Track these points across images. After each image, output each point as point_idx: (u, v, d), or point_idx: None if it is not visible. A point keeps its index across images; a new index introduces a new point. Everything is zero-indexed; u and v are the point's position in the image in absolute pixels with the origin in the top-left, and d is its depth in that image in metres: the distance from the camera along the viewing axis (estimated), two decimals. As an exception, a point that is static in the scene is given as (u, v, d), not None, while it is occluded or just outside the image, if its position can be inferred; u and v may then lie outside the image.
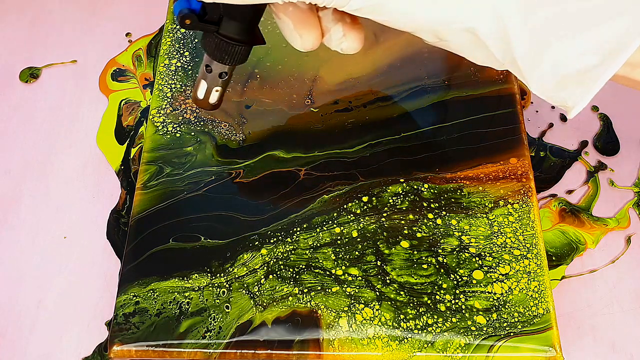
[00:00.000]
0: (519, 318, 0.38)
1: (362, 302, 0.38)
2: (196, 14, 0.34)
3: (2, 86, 0.50)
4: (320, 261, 0.39)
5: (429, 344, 0.37)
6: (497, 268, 0.39)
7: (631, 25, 0.28)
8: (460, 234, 0.40)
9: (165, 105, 0.45)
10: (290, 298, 0.38)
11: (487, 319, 0.38)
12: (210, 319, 0.38)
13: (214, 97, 0.39)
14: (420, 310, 0.38)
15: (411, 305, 0.38)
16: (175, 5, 0.34)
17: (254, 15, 0.35)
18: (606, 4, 0.29)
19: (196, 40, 0.48)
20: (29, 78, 0.51)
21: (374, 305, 0.38)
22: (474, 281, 0.39)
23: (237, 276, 0.39)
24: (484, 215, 0.41)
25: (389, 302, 0.38)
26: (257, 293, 0.38)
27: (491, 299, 0.38)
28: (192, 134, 0.44)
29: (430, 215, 0.41)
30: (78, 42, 0.53)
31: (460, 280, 0.39)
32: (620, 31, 0.28)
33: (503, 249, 0.40)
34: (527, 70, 0.31)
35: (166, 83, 0.46)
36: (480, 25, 0.31)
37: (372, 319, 0.38)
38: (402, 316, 0.38)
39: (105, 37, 0.53)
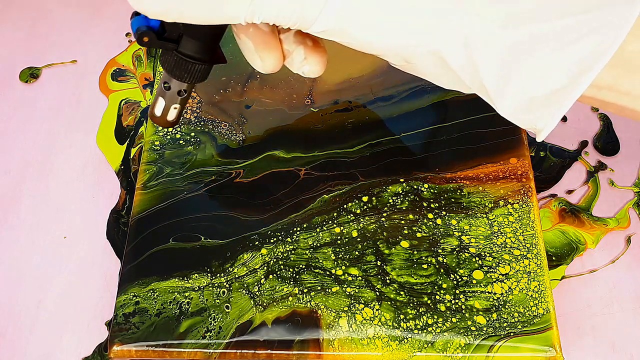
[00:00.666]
0: (519, 318, 0.38)
1: (362, 302, 0.38)
2: (154, 31, 0.33)
3: (2, 86, 0.50)
4: (320, 261, 0.39)
5: (429, 344, 0.37)
6: (497, 268, 0.39)
7: (597, 46, 0.28)
8: (460, 234, 0.40)
9: (165, 105, 0.45)
10: (290, 298, 0.38)
11: (487, 319, 0.38)
12: (210, 319, 0.38)
13: (172, 115, 0.38)
14: (420, 310, 0.38)
15: (411, 305, 0.38)
16: (133, 23, 0.33)
17: (215, 34, 0.34)
18: (572, 26, 0.28)
19: (196, 40, 0.48)
20: (29, 78, 0.51)
21: (374, 305, 0.38)
22: (474, 281, 0.39)
23: (237, 276, 0.39)
24: (484, 215, 0.41)
25: (389, 302, 0.38)
26: (257, 293, 0.38)
27: (491, 299, 0.38)
28: (192, 134, 0.44)
29: (430, 215, 0.41)
30: (78, 42, 0.53)
31: (460, 280, 0.39)
32: (586, 52, 0.29)
33: (503, 249, 0.40)
34: (495, 94, 0.31)
35: (166, 83, 0.46)
36: (447, 49, 0.30)
37: (372, 319, 0.38)
38: (402, 316, 0.38)
39: (105, 37, 0.53)
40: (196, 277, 0.39)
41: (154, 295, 0.38)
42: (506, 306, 0.38)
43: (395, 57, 0.33)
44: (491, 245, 0.40)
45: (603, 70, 0.29)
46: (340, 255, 0.40)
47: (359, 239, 0.40)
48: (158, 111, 0.37)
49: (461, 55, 0.30)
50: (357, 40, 0.31)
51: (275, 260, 0.39)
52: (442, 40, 0.30)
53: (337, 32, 0.31)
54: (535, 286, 0.39)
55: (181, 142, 0.44)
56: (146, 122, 0.47)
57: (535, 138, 0.48)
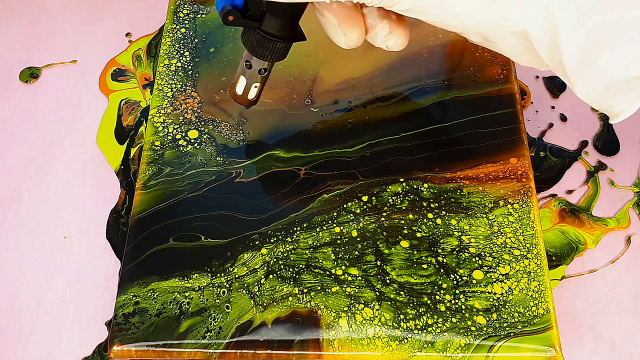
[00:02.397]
0: (519, 318, 0.38)
1: (362, 302, 0.38)
2: (239, 10, 0.34)
3: (2, 86, 0.50)
4: (320, 261, 0.39)
5: (429, 344, 0.37)
6: (497, 268, 0.39)
7: None
8: (460, 234, 0.40)
9: (165, 105, 0.45)
10: (290, 298, 0.38)
11: (487, 319, 0.38)
12: (211, 319, 0.38)
13: (252, 93, 0.40)
14: (420, 311, 0.38)
15: (411, 305, 0.38)
16: (218, 2, 0.34)
17: (296, 11, 0.36)
18: None
19: (196, 40, 0.48)
20: (29, 78, 0.51)
21: (374, 305, 0.38)
22: (474, 281, 0.39)
23: (237, 276, 0.39)
24: (484, 215, 0.41)
25: (389, 302, 0.38)
26: (257, 293, 0.38)
27: (491, 299, 0.38)
28: (192, 134, 0.44)
29: (430, 215, 0.41)
30: (78, 42, 0.53)
31: (460, 280, 0.39)
32: None
33: (503, 249, 0.40)
34: (574, 75, 0.31)
35: (166, 83, 0.46)
36: (531, 28, 0.31)
37: (372, 319, 0.38)
38: (402, 316, 0.38)
39: (105, 37, 0.53)
40: (196, 277, 0.39)
41: (154, 295, 0.38)
42: (506, 306, 0.38)
43: (476, 35, 0.33)
44: (491, 245, 0.40)
45: None
46: (340, 255, 0.40)
47: (358, 239, 0.40)
48: (239, 90, 0.39)
49: (546, 35, 0.31)
50: (442, 18, 0.32)
51: (275, 260, 0.39)
52: (527, 19, 0.31)
53: (424, 10, 0.31)
54: (535, 286, 0.39)
55: (181, 142, 0.44)
56: (146, 122, 0.47)
57: (535, 138, 0.48)
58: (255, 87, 0.39)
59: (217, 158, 0.43)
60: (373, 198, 0.42)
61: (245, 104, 0.40)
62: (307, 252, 0.40)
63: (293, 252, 0.40)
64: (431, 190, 0.42)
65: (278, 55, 0.37)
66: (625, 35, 0.29)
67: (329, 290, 0.38)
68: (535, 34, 0.31)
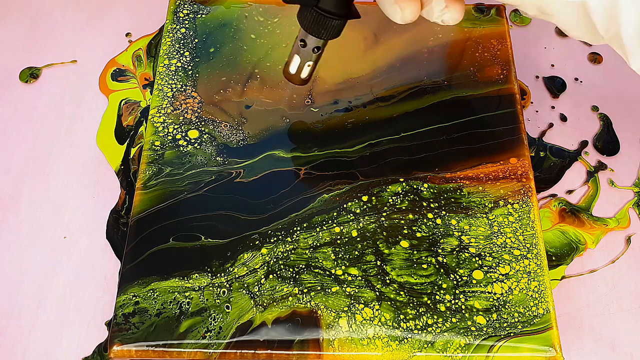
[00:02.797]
0: (519, 318, 0.38)
1: (362, 302, 0.38)
2: None
3: (2, 86, 0.50)
4: (320, 261, 0.39)
5: (429, 344, 0.37)
6: (497, 268, 0.39)
7: None
8: (460, 233, 0.41)
9: (165, 105, 0.45)
10: (290, 298, 0.38)
11: (487, 319, 0.38)
12: (211, 319, 0.38)
13: (305, 72, 0.40)
14: (420, 311, 0.38)
15: (411, 305, 0.38)
16: None
17: None
18: None
19: (196, 40, 0.48)
20: (29, 78, 0.51)
21: (374, 305, 0.38)
22: (474, 281, 0.39)
23: (237, 276, 0.39)
24: (484, 215, 0.41)
25: (389, 302, 0.38)
26: (257, 293, 0.38)
27: (491, 299, 0.38)
28: (192, 134, 0.44)
29: (430, 215, 0.41)
30: (78, 42, 0.52)
31: (460, 280, 0.39)
32: None
33: (503, 249, 0.40)
34: (631, 46, 0.32)
35: (166, 83, 0.46)
36: (592, 1, 0.32)
37: (372, 319, 0.38)
38: (402, 316, 0.38)
39: (105, 37, 0.53)
40: (196, 277, 0.39)
41: (154, 295, 0.38)
42: (506, 306, 0.38)
43: (532, 8, 0.34)
44: (491, 245, 0.40)
45: None
46: (340, 255, 0.40)
47: (358, 239, 0.40)
48: (293, 69, 0.40)
49: (604, 6, 0.32)
50: None
51: (275, 260, 0.39)
52: None
53: None
54: (535, 286, 0.39)
55: (181, 142, 0.44)
56: (146, 122, 0.47)
57: (535, 138, 0.48)
58: (309, 65, 0.40)
59: (217, 158, 0.43)
60: (373, 198, 0.42)
61: (298, 82, 0.41)
62: (307, 252, 0.40)
63: (293, 252, 0.40)
64: (431, 190, 0.42)
65: (333, 32, 0.38)
66: None
67: (329, 290, 0.38)
68: (593, 4, 0.32)
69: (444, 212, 0.41)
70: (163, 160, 0.43)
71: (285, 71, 0.41)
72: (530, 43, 0.53)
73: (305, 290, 0.38)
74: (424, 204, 0.42)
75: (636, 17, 0.31)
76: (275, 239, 0.40)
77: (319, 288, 0.39)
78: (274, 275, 0.39)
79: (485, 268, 0.39)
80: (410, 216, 0.41)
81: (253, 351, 0.37)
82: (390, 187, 0.42)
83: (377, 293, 0.38)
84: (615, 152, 0.48)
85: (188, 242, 0.40)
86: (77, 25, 0.53)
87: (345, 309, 0.38)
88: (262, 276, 0.39)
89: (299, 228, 0.41)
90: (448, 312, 0.38)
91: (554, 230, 0.44)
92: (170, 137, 0.44)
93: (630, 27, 0.32)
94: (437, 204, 0.42)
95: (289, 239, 0.40)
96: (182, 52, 0.48)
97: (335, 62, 0.48)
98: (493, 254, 0.40)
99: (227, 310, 0.38)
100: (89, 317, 0.41)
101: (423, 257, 0.40)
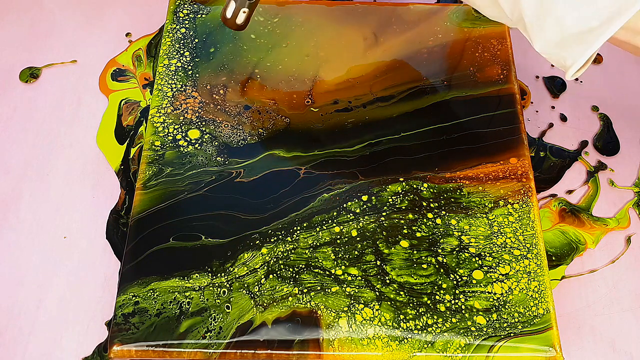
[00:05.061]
0: (519, 318, 0.38)
1: (362, 302, 0.38)
2: None
3: (2, 86, 0.50)
4: (320, 261, 0.39)
5: (429, 344, 0.37)
6: (497, 268, 0.39)
7: None
8: (460, 233, 0.40)
9: (165, 105, 0.45)
10: (290, 298, 0.38)
11: (487, 319, 0.38)
12: (211, 319, 0.38)
13: (240, 18, 0.43)
14: (420, 311, 0.38)
15: (411, 305, 0.38)
16: None
17: None
18: None
19: (196, 40, 0.48)
20: (29, 78, 0.51)
21: (374, 305, 0.38)
22: (474, 281, 0.39)
23: (237, 276, 0.39)
24: (484, 215, 0.41)
25: (389, 302, 0.38)
26: (257, 293, 0.38)
27: (491, 299, 0.38)
28: (193, 134, 0.44)
29: (430, 215, 0.41)
30: (78, 42, 0.53)
31: (460, 280, 0.39)
32: None
33: (503, 249, 0.40)
34: (533, 29, 0.35)
35: (166, 83, 0.46)
36: None
37: (372, 319, 0.38)
38: (402, 316, 0.38)
39: (105, 37, 0.53)
40: (197, 276, 0.39)
41: (154, 295, 0.38)
42: (506, 306, 0.38)
43: None
44: (491, 245, 0.40)
45: (638, 16, 0.32)
46: (340, 255, 0.40)
47: (358, 239, 0.40)
48: (229, 13, 0.43)
49: None
50: None
51: (275, 259, 0.39)
52: None
53: None
54: (535, 286, 0.39)
55: (181, 142, 0.44)
56: (146, 122, 0.47)
57: (535, 138, 0.48)
58: (244, 12, 0.43)
59: (218, 158, 0.43)
60: (373, 197, 0.42)
61: (233, 27, 0.44)
62: (307, 251, 0.40)
63: (293, 251, 0.40)
64: (431, 190, 0.42)
65: None
66: None
67: (329, 290, 0.38)
68: None
69: (443, 212, 0.41)
70: (163, 160, 0.43)
71: (222, 15, 0.43)
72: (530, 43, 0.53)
73: (305, 290, 0.38)
74: (424, 203, 0.42)
75: (536, 1, 0.34)
76: (275, 238, 0.40)
77: (318, 288, 0.39)
78: (274, 275, 0.39)
79: (485, 268, 0.39)
80: (410, 216, 0.41)
81: (253, 351, 0.37)
82: (390, 186, 0.42)
83: (377, 293, 0.38)
84: (615, 152, 0.48)
85: (188, 241, 0.40)
86: (77, 25, 0.53)
87: (345, 309, 0.38)
88: (262, 276, 0.39)
89: (299, 228, 0.41)
90: (448, 312, 0.38)
91: (554, 230, 0.44)
92: (170, 138, 0.44)
93: (529, 10, 0.34)
94: (437, 204, 0.42)
95: (289, 238, 0.40)
96: (182, 52, 0.48)
97: (335, 62, 0.48)
98: (493, 254, 0.40)
99: (228, 310, 0.38)
100: (89, 317, 0.41)
101: (423, 257, 0.40)
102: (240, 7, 0.42)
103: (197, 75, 0.47)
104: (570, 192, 0.46)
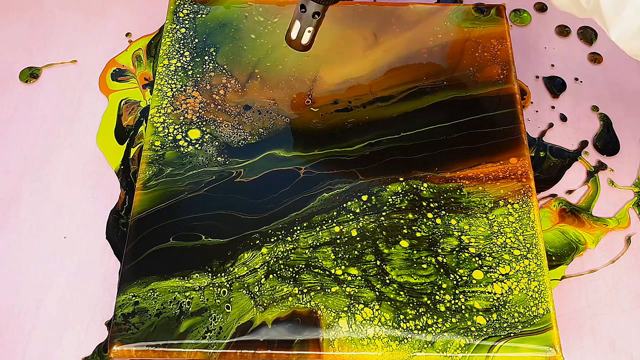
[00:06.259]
0: (519, 318, 0.38)
1: (362, 302, 0.38)
2: None
3: (2, 86, 0.50)
4: (320, 261, 0.39)
5: (429, 344, 0.37)
6: (497, 268, 0.39)
7: None
8: (460, 233, 0.40)
9: (165, 105, 0.45)
10: (290, 298, 0.38)
11: (487, 319, 0.38)
12: (211, 319, 0.38)
13: (306, 38, 0.42)
14: (420, 311, 0.38)
15: (411, 305, 0.38)
16: None
17: None
18: None
19: (196, 40, 0.48)
20: (29, 78, 0.51)
21: (374, 305, 0.38)
22: (474, 281, 0.39)
23: (237, 276, 0.39)
24: (484, 215, 0.41)
25: (389, 302, 0.38)
26: (257, 293, 0.38)
27: (491, 299, 0.38)
28: (193, 134, 0.44)
29: (430, 215, 0.41)
30: (78, 42, 0.53)
31: (460, 280, 0.39)
32: None
33: (503, 249, 0.40)
34: (610, 17, 0.34)
35: (166, 83, 0.46)
36: None
37: (371, 319, 0.38)
38: (401, 316, 0.38)
39: (105, 37, 0.53)
40: (197, 276, 0.39)
41: (153, 295, 0.38)
42: (506, 306, 0.38)
43: None
44: (491, 245, 0.40)
45: None
46: (340, 255, 0.40)
47: (358, 238, 0.40)
48: (294, 34, 0.42)
49: None
50: None
51: (275, 259, 0.39)
52: None
53: None
54: (535, 286, 0.39)
55: (181, 142, 0.44)
56: (146, 122, 0.47)
57: (535, 138, 0.48)
58: (309, 31, 0.42)
59: (218, 158, 0.43)
60: (373, 197, 0.42)
61: (299, 48, 0.43)
62: (307, 251, 0.40)
63: (293, 251, 0.40)
64: (431, 189, 0.42)
65: None
66: None
67: (329, 290, 0.38)
68: None
69: (443, 212, 0.41)
70: (163, 160, 0.43)
71: (287, 37, 0.42)
72: (530, 43, 0.53)
73: (305, 290, 0.38)
74: (424, 203, 0.42)
75: None
76: (275, 238, 0.40)
77: (318, 288, 0.39)
78: (274, 275, 0.39)
79: (485, 268, 0.39)
80: (410, 216, 0.41)
81: (253, 351, 0.37)
82: (390, 186, 0.42)
83: (377, 293, 0.38)
84: (615, 152, 0.48)
85: (188, 241, 0.40)
86: (77, 25, 0.53)
87: (345, 309, 0.38)
88: (262, 276, 0.39)
89: (299, 227, 0.41)
90: (448, 312, 0.38)
91: (554, 230, 0.44)
92: (170, 138, 0.44)
93: (608, 0, 0.34)
94: (436, 204, 0.42)
95: (289, 238, 0.40)
96: (182, 52, 0.48)
97: (335, 62, 0.48)
98: (493, 254, 0.40)
99: (228, 311, 0.38)
100: (89, 317, 0.41)
101: (423, 257, 0.40)
102: (305, 26, 0.42)
103: (197, 75, 0.47)
104: (570, 192, 0.46)
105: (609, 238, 0.44)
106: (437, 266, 0.39)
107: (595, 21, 0.37)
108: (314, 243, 0.40)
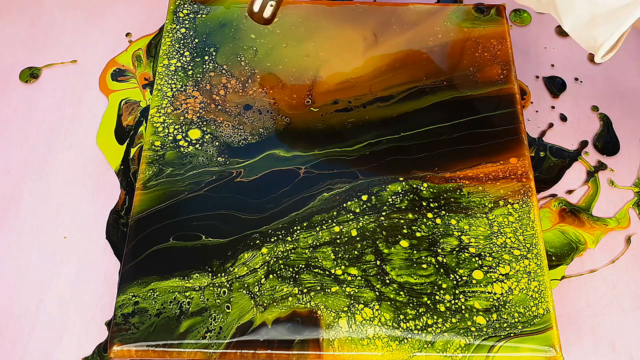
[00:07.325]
0: (519, 318, 0.38)
1: (362, 302, 0.38)
2: None
3: (2, 86, 0.50)
4: (320, 260, 0.39)
5: (429, 344, 0.37)
6: (497, 268, 0.39)
7: None
8: (459, 233, 0.40)
9: (165, 105, 0.45)
10: (290, 298, 0.38)
11: (487, 319, 0.38)
12: (211, 319, 0.38)
13: (267, 12, 0.42)
14: (420, 311, 0.38)
15: (411, 305, 0.38)
16: None
17: None
18: None
19: (196, 40, 0.48)
20: (29, 78, 0.51)
21: (374, 305, 0.38)
22: (474, 281, 0.39)
23: (237, 276, 0.39)
24: (484, 215, 0.41)
25: (389, 302, 0.38)
26: (257, 293, 0.38)
27: (491, 299, 0.38)
28: (193, 134, 0.44)
29: (430, 215, 0.41)
30: (78, 42, 0.53)
31: (460, 280, 0.39)
32: None
33: (503, 249, 0.40)
34: (563, 10, 0.35)
35: (166, 83, 0.46)
36: None
37: (371, 319, 0.38)
38: (401, 316, 0.38)
39: (105, 37, 0.53)
40: (197, 276, 0.39)
41: (153, 295, 0.38)
42: (506, 306, 0.38)
43: None
44: (491, 245, 0.40)
45: None
46: (340, 255, 0.40)
47: (358, 238, 0.40)
48: (256, 7, 0.42)
49: None
50: None
51: (275, 259, 0.39)
52: None
53: None
54: (535, 286, 0.39)
55: (182, 142, 0.44)
56: (146, 122, 0.47)
57: (535, 138, 0.48)
58: (271, 5, 0.42)
59: (218, 158, 0.43)
60: (373, 197, 0.42)
61: (260, 22, 0.43)
62: (306, 251, 0.40)
63: (293, 251, 0.40)
64: (431, 189, 0.42)
65: None
66: None
67: (329, 290, 0.38)
68: None
69: (443, 212, 0.41)
70: (164, 160, 0.43)
71: (249, 10, 0.43)
72: (530, 43, 0.53)
73: (305, 290, 0.38)
74: (424, 203, 0.42)
75: None
76: (275, 238, 0.40)
77: (318, 288, 0.39)
78: (274, 275, 0.39)
79: (485, 268, 0.39)
80: (410, 216, 0.41)
81: (253, 351, 0.37)
82: (389, 186, 0.42)
83: (377, 293, 0.38)
84: (615, 152, 0.48)
85: (188, 241, 0.40)
86: (77, 25, 0.53)
87: (345, 309, 0.38)
88: (262, 276, 0.39)
89: (299, 227, 0.41)
90: (448, 312, 0.38)
91: (554, 230, 0.44)
92: (170, 138, 0.44)
93: None
94: (436, 204, 0.42)
95: (289, 238, 0.40)
96: (182, 52, 0.48)
97: (335, 62, 0.48)
98: (493, 254, 0.40)
99: (228, 311, 0.38)
100: (89, 317, 0.41)
101: (423, 257, 0.40)
102: (267, 1, 0.42)
103: (197, 75, 0.47)
104: (570, 192, 0.46)
105: (609, 238, 0.44)
106: (437, 266, 0.39)
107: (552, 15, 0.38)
108: (314, 243, 0.40)
